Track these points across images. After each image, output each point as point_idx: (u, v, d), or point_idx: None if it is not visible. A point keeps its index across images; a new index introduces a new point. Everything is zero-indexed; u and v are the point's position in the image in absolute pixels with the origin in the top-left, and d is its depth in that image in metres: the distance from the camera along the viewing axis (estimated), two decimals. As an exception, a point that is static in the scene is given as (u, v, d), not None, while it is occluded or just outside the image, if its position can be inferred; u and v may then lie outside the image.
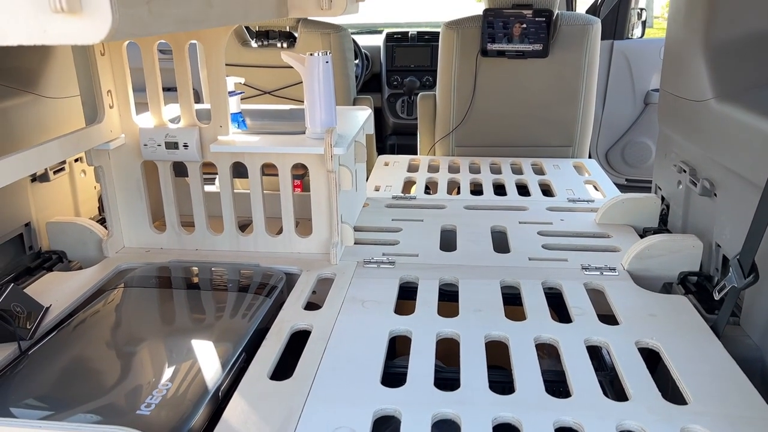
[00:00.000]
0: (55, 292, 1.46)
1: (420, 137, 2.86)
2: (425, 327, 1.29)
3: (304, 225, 1.75)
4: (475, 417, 1.01)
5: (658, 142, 1.92)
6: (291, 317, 1.34)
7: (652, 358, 1.23)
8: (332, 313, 1.35)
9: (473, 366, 1.15)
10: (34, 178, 1.69)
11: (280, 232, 1.69)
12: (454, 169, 2.51)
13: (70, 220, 1.70)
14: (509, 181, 2.30)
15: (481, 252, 1.68)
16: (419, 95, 2.82)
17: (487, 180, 2.31)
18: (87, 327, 1.30)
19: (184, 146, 1.58)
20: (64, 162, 1.79)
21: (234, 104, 1.76)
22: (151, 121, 1.61)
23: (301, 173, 1.69)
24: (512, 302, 1.45)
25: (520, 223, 1.89)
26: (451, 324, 1.30)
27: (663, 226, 1.87)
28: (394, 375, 1.17)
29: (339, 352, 1.20)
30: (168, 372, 1.11)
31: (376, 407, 1.03)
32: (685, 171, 1.65)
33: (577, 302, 1.39)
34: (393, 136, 3.92)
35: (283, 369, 1.18)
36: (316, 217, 1.64)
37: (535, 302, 1.40)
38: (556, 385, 1.17)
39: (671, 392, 1.12)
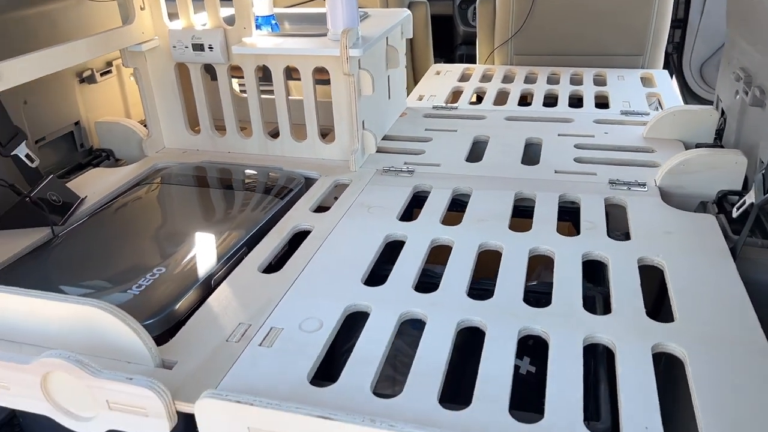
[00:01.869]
0: (94, 185, 1.58)
1: (479, 45, 2.73)
2: (423, 233, 1.28)
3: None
4: (443, 318, 1.01)
5: (725, 47, 1.72)
6: (297, 218, 1.37)
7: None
8: (337, 216, 1.37)
9: (458, 272, 1.15)
10: (83, 80, 1.79)
11: None
12: (509, 78, 2.38)
13: (116, 120, 1.81)
14: (563, 91, 2.16)
15: (506, 163, 1.62)
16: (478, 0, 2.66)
17: (539, 91, 2.19)
18: (113, 216, 1.41)
19: (209, 48, 1.61)
20: (110, 65, 1.88)
21: (265, 6, 1.75)
22: (180, 23, 1.65)
23: (326, 78, 1.67)
24: (524, 215, 1.40)
25: (559, 135, 1.79)
26: (449, 231, 1.29)
27: (719, 141, 1.70)
28: (383, 278, 1.19)
29: (331, 251, 1.23)
30: (168, 259, 1.19)
31: (350, 303, 1.06)
32: (742, 78, 1.47)
33: (591, 216, 1.33)
34: (463, 46, 3.75)
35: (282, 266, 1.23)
36: (338, 122, 1.64)
37: (545, 215, 1.34)
38: (546, 297, 1.14)
39: (666, 311, 1.06)
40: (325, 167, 1.64)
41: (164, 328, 1.02)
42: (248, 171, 1.63)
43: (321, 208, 1.44)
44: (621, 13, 2.41)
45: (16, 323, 0.97)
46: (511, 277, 1.12)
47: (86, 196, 1.50)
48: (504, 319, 1.01)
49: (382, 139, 1.81)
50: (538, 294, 1.14)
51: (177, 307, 1.06)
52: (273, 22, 1.80)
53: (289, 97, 1.67)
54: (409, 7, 2.81)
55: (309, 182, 1.58)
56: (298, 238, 1.33)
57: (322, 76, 1.64)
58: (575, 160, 1.62)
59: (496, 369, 0.90)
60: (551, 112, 1.99)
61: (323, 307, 1.05)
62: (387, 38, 1.78)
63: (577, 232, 1.35)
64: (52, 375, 0.88)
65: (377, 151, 1.72)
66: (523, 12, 2.50)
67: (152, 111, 1.77)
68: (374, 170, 1.60)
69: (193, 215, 1.41)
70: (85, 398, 0.88)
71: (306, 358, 0.93)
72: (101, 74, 1.84)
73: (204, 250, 1.23)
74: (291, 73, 1.67)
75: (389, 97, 1.87)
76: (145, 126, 1.83)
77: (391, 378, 1.18)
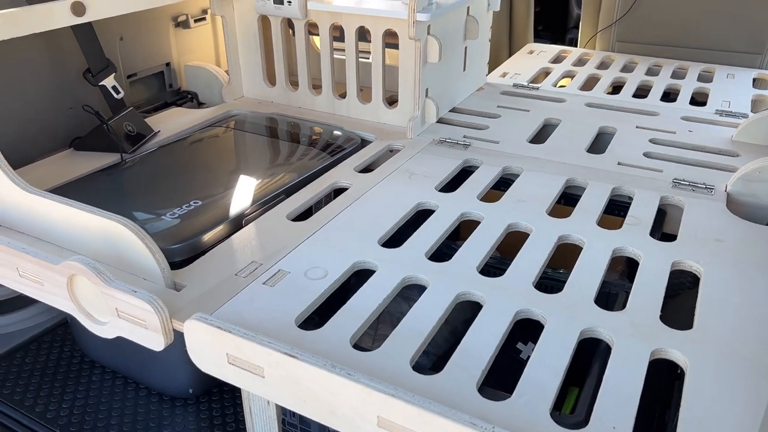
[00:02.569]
0: (171, 122, 1.70)
1: (581, 27, 2.59)
2: (456, 205, 1.27)
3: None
4: (445, 287, 1.01)
5: None
6: (339, 175, 1.40)
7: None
8: (378, 178, 1.38)
9: (476, 247, 1.12)
10: (177, 24, 1.92)
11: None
12: (605, 65, 2.25)
13: (202, 64, 1.92)
14: (659, 84, 2.02)
15: (569, 149, 1.55)
16: (586, -21, 2.52)
17: (633, 80, 2.05)
18: (178, 151, 1.51)
19: (288, 2, 1.66)
20: (205, 13, 1.99)
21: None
22: (265, -24, 1.71)
23: (396, 42, 1.67)
24: (572, 202, 1.34)
25: (636, 127, 1.68)
26: (482, 207, 1.26)
27: (820, 155, 1.52)
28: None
29: (360, 210, 1.25)
30: (208, 194, 1.27)
31: (359, 259, 1.08)
32: None
33: (640, 213, 1.25)
34: (575, 30, 3.56)
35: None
36: (403, 88, 1.64)
37: (590, 204, 1.28)
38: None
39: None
40: (384, 131, 1.65)
41: (188, 255, 1.10)
42: (311, 127, 1.68)
43: (367, 170, 1.46)
44: (740, 4, 2.19)
45: (58, 229, 1.08)
46: (530, 260, 1.09)
47: (159, 131, 1.62)
48: (506, 297, 0.98)
49: (450, 111, 1.79)
50: (561, 283, 1.10)
51: (204, 238, 1.13)
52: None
53: (360, 59, 1.69)
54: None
55: (365, 144, 1.60)
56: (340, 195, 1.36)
57: (395, 41, 1.65)
58: (644, 154, 1.52)
59: (480, 343, 0.89)
60: (637, 104, 1.87)
61: (333, 260, 1.08)
62: (468, 8, 1.74)
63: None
64: (77, 278, 0.97)
65: (440, 122, 1.70)
66: (631, -5, 2.34)
67: (234, 60, 1.86)
68: (430, 139, 1.59)
69: (248, 160, 1.48)
70: (101, 304, 0.97)
71: (301, 303, 0.97)
72: (195, 20, 1.95)
73: (243, 192, 1.29)
74: (366, 35, 1.69)
75: (464, 69, 1.84)
76: (228, 74, 1.92)
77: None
